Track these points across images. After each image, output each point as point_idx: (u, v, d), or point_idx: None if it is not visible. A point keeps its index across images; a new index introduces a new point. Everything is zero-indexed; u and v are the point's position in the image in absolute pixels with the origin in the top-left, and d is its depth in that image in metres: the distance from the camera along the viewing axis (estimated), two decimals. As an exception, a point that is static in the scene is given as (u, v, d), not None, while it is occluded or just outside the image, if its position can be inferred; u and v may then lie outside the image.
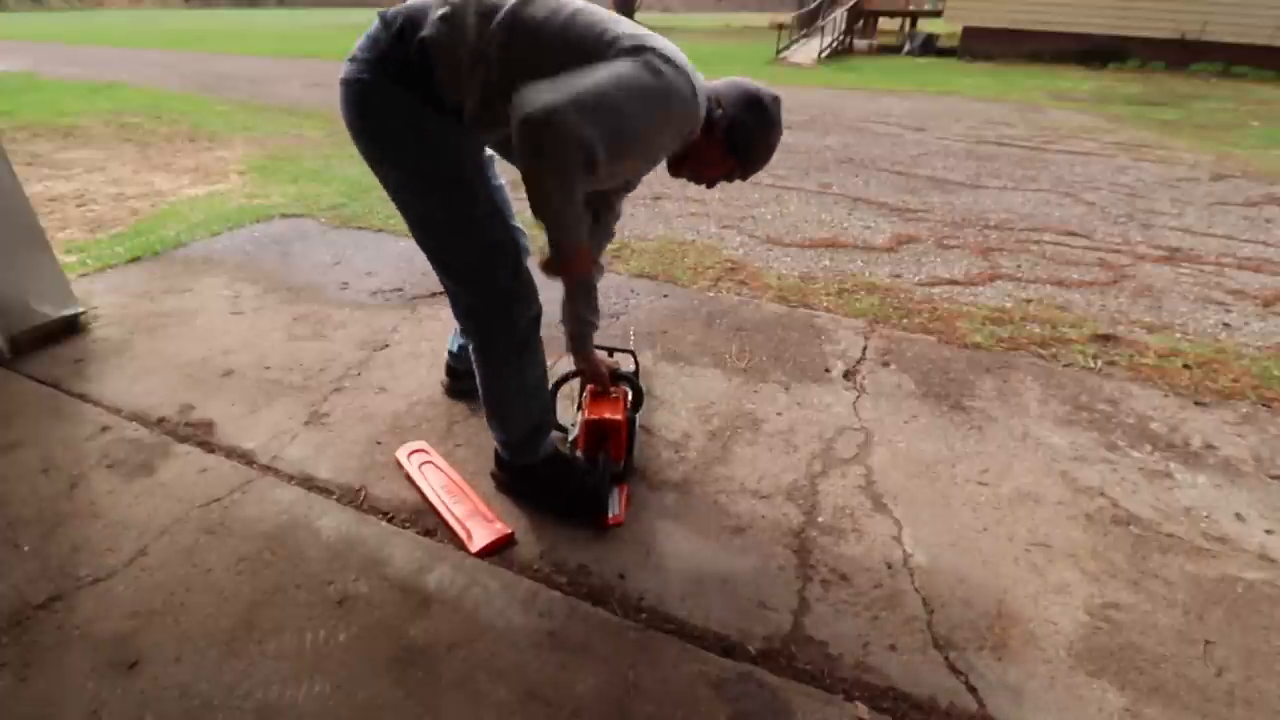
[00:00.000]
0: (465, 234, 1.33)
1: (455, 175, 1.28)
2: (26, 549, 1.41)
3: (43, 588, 1.32)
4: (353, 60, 1.22)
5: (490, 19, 1.15)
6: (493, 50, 1.15)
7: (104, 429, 1.79)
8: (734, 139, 1.32)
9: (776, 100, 1.34)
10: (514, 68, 1.13)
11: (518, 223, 1.63)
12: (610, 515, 1.50)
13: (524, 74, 1.11)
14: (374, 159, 1.29)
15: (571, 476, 1.53)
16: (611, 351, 1.91)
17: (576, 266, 1.28)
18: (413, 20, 1.18)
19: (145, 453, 1.70)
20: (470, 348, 1.45)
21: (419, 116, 1.22)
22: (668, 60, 1.15)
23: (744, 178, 1.42)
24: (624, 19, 1.21)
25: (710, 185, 1.45)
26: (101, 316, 2.39)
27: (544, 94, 1.05)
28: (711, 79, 1.34)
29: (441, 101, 1.20)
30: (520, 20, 1.15)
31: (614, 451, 1.56)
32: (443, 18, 1.16)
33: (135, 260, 2.90)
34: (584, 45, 1.15)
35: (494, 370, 1.45)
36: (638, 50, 1.14)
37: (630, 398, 1.69)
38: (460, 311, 1.43)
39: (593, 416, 1.55)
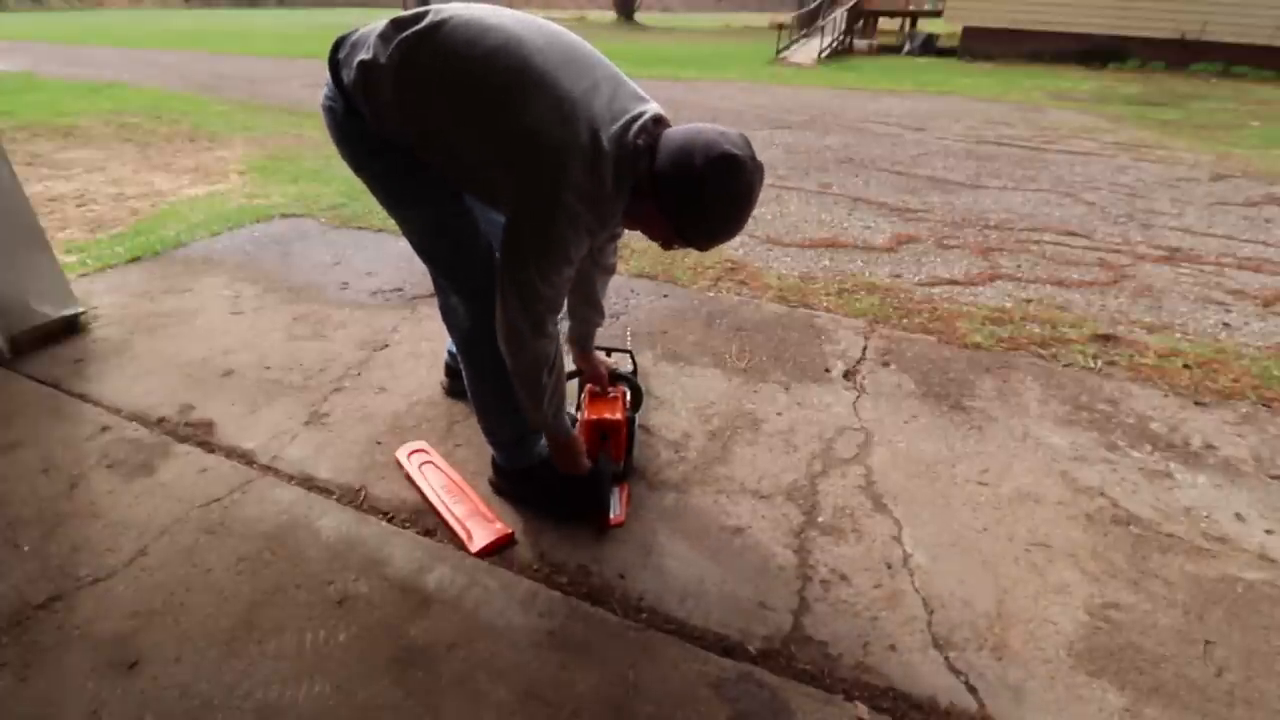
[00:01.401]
0: (442, 237, 1.35)
1: (419, 187, 1.30)
2: (26, 549, 1.41)
3: (43, 588, 1.32)
4: (327, 84, 1.26)
5: (404, 89, 1.14)
6: (405, 117, 1.17)
7: (104, 429, 1.79)
8: (661, 199, 1.13)
9: (723, 161, 1.06)
10: (423, 140, 1.20)
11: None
12: (612, 516, 1.50)
13: (434, 148, 1.20)
14: (354, 170, 1.34)
15: (570, 477, 1.53)
16: (609, 352, 1.91)
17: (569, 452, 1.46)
18: (348, 57, 1.20)
19: (145, 453, 1.70)
20: (456, 349, 1.46)
21: (375, 138, 1.24)
22: (543, 184, 1.10)
23: (698, 247, 1.21)
24: (530, 85, 1.09)
25: (665, 247, 1.27)
26: (101, 316, 2.39)
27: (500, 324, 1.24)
28: (692, 120, 1.26)
29: None
30: (427, 101, 1.14)
31: (614, 451, 1.56)
32: (361, 65, 1.16)
33: (135, 260, 2.90)
34: (484, 145, 1.15)
35: (479, 370, 1.45)
36: (525, 173, 1.11)
37: (629, 397, 1.69)
38: (445, 311, 1.44)
39: (592, 417, 1.55)
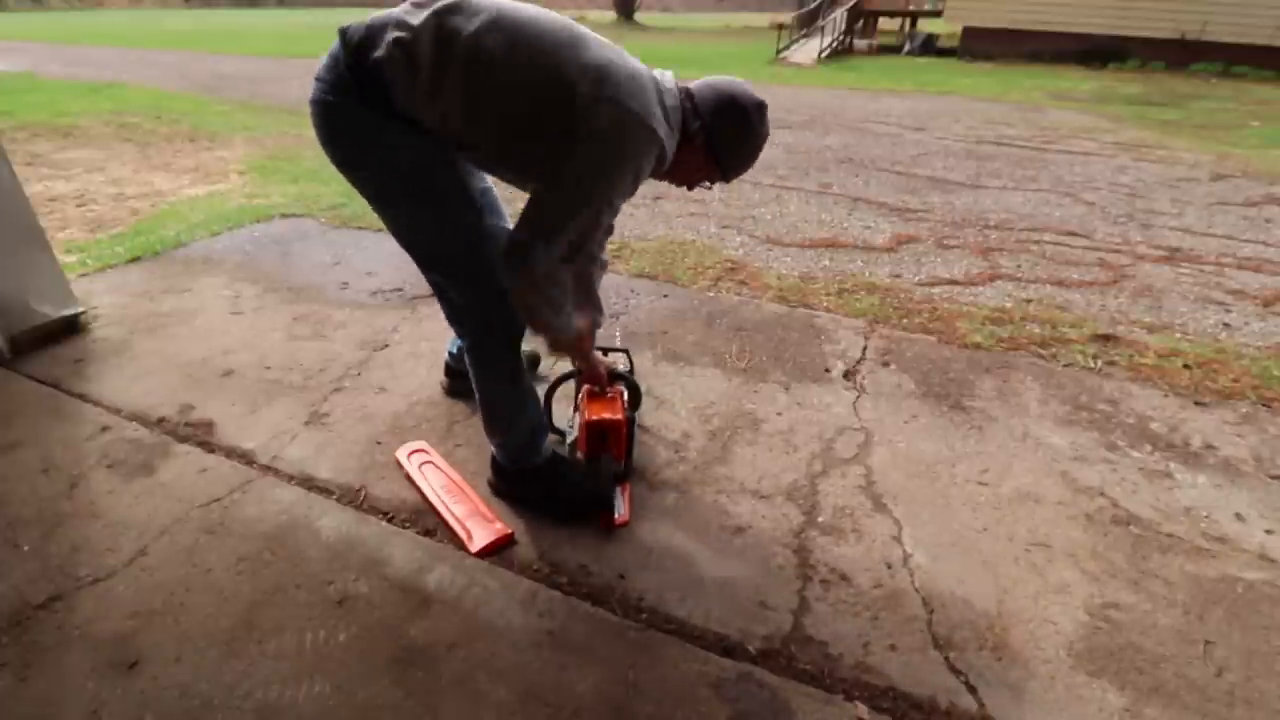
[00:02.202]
0: (443, 238, 1.34)
1: (426, 185, 1.28)
2: (26, 549, 1.41)
3: (43, 588, 1.32)
4: (318, 80, 1.22)
5: (446, 49, 1.13)
6: (450, 82, 1.15)
7: (104, 429, 1.79)
8: (713, 146, 1.29)
9: (760, 106, 1.29)
10: (474, 101, 1.17)
11: (508, 223, 1.63)
12: (617, 515, 1.50)
13: (485, 109, 1.17)
14: (346, 172, 1.30)
15: (573, 478, 1.53)
16: (606, 351, 1.91)
17: (581, 347, 1.48)
18: (370, 39, 1.17)
19: (145, 453, 1.70)
20: (464, 350, 1.46)
21: (384, 132, 1.22)
22: (627, 110, 1.12)
23: (726, 181, 1.39)
24: (580, 39, 1.17)
25: (690, 188, 1.44)
26: (101, 316, 2.39)
27: (516, 251, 1.20)
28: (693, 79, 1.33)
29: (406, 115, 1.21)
30: (478, 56, 1.13)
31: (614, 451, 1.56)
32: (396, 41, 1.14)
33: (135, 260, 2.90)
34: (544, 86, 1.13)
35: (488, 371, 1.45)
36: (598, 104, 1.11)
37: (628, 396, 1.69)
38: (450, 312, 1.43)
39: (593, 417, 1.54)
